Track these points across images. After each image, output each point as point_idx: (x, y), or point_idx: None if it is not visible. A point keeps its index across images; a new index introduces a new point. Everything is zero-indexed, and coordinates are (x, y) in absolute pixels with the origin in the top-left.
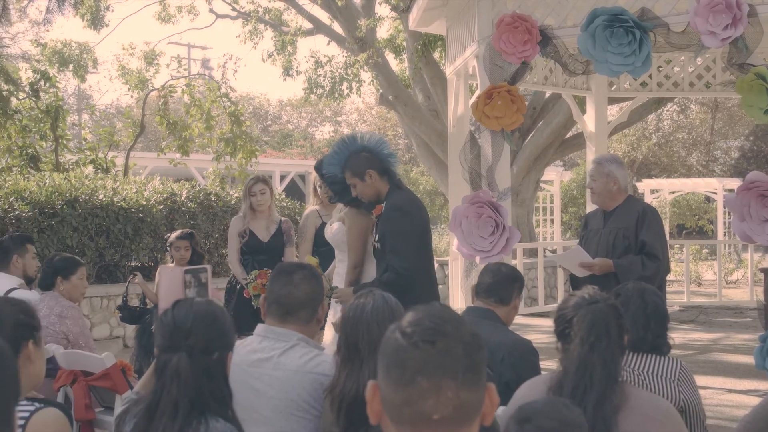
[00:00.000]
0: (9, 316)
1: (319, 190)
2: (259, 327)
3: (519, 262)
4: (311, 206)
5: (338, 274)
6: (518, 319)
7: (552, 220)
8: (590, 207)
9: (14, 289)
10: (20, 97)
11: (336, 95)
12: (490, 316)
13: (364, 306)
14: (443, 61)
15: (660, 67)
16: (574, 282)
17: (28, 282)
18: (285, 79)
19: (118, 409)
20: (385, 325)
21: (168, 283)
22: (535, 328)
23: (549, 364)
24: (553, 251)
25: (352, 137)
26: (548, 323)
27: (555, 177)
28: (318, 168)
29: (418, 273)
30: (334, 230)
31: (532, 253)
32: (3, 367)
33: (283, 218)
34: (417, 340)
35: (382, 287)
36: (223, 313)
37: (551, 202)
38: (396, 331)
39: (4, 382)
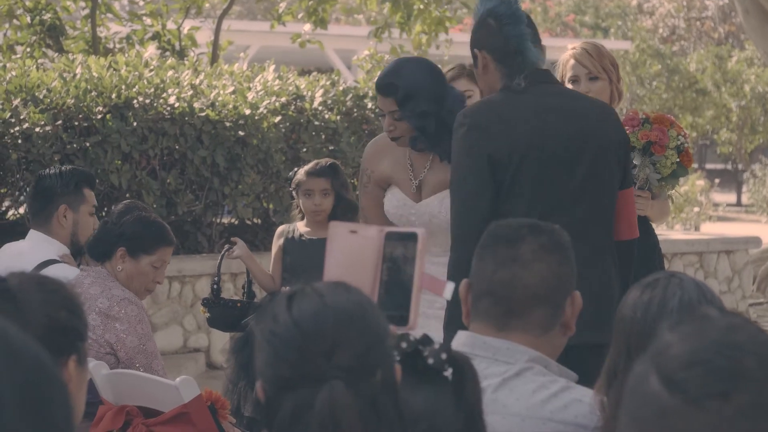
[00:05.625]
0: (41, 312)
1: None
2: (462, 337)
3: None
4: None
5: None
6: None
7: None
8: None
9: (51, 262)
10: None
11: None
12: None
13: (665, 299)
14: None
15: None
16: None
17: (76, 253)
18: None
19: None
20: None
21: (345, 258)
22: None
23: None
24: None
25: None
26: None
27: None
28: (384, 86)
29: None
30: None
31: None
32: (57, 403)
33: None
34: (698, 396)
35: None
36: (370, 303)
37: None
38: (653, 375)
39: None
